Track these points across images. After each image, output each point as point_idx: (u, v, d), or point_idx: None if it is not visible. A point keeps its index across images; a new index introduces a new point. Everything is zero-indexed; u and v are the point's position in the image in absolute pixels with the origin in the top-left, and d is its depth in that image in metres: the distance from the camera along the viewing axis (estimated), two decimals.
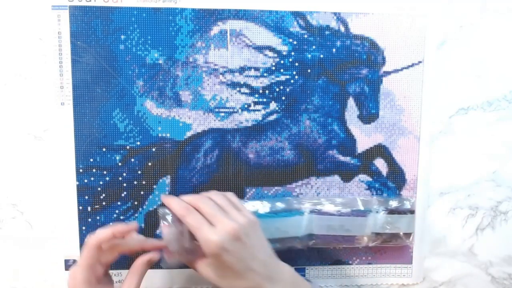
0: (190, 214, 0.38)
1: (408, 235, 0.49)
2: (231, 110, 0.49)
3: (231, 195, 0.42)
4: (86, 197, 0.49)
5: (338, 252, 0.52)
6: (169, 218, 0.41)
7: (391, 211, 0.48)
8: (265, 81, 0.49)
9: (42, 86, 0.47)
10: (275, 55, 0.48)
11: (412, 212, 0.49)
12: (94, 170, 0.48)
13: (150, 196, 0.49)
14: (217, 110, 0.49)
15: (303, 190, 0.50)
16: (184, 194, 0.49)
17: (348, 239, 0.48)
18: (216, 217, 0.37)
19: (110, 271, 0.42)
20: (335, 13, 0.48)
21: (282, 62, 0.48)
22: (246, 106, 0.49)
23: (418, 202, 0.51)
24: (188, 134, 0.49)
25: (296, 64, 0.48)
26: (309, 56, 0.48)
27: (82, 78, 0.47)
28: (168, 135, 0.49)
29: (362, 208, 0.48)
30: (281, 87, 0.49)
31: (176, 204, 0.39)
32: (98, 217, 0.49)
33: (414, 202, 0.50)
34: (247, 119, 0.49)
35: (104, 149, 0.48)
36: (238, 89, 0.48)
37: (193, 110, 0.48)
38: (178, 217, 0.38)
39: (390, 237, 0.49)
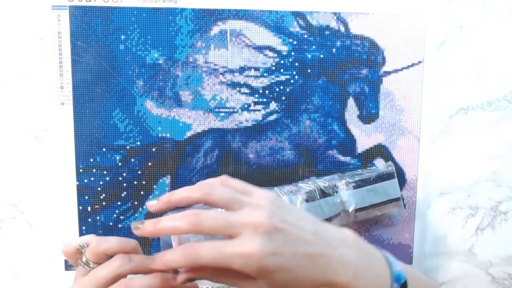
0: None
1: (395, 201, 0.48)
2: (231, 110, 0.49)
3: (226, 179, 0.33)
4: (86, 197, 0.49)
5: None
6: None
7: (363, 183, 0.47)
8: (265, 81, 0.49)
9: (42, 86, 0.47)
10: (275, 55, 0.48)
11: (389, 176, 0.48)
12: (94, 170, 0.48)
13: (150, 196, 0.49)
14: (217, 110, 0.49)
15: None
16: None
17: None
18: (229, 220, 0.29)
19: None
20: (335, 13, 0.48)
21: (282, 62, 0.48)
22: (246, 106, 0.49)
23: (418, 202, 0.51)
24: (188, 134, 0.49)
25: (296, 64, 0.48)
26: (309, 56, 0.48)
27: (82, 78, 0.47)
28: (168, 135, 0.49)
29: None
30: (281, 87, 0.49)
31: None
32: (98, 217, 0.49)
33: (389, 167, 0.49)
34: (247, 119, 0.49)
35: (104, 149, 0.48)
36: (238, 89, 0.48)
37: (193, 110, 0.48)
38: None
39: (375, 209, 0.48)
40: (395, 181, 0.48)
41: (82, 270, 0.32)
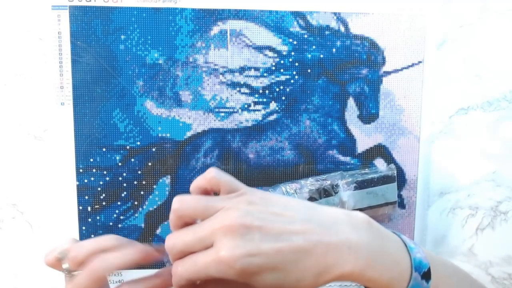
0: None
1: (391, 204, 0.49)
2: (231, 110, 0.49)
3: (213, 178, 0.30)
4: (86, 197, 0.49)
5: None
6: None
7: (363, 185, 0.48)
8: (265, 81, 0.49)
9: (42, 86, 0.47)
10: (275, 55, 0.48)
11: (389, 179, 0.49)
12: (94, 170, 0.48)
13: (150, 196, 0.49)
14: (217, 110, 0.49)
15: None
16: (184, 194, 0.49)
17: None
18: (199, 230, 0.27)
19: None
20: (335, 13, 0.48)
21: (282, 62, 0.48)
22: (246, 106, 0.49)
23: (418, 202, 0.51)
24: (188, 134, 0.49)
25: (296, 64, 0.48)
26: (309, 56, 0.48)
27: (82, 78, 0.47)
28: (168, 135, 0.49)
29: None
30: (281, 87, 0.49)
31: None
32: (98, 217, 0.49)
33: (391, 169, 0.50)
34: (247, 119, 0.49)
35: (104, 149, 0.48)
36: (238, 89, 0.48)
37: (193, 110, 0.48)
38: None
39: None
40: (394, 185, 0.49)
41: (68, 278, 0.31)
